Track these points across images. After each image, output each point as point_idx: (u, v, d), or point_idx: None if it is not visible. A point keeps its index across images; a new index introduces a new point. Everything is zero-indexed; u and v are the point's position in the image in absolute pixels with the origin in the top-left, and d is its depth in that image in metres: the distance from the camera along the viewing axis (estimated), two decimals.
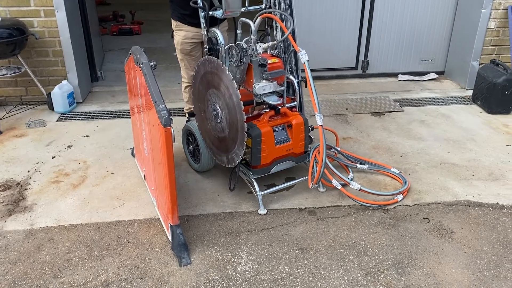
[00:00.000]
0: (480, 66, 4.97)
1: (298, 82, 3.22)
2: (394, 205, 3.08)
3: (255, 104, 2.99)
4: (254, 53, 2.76)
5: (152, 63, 2.60)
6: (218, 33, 2.79)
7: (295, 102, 3.20)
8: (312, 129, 3.25)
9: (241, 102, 2.64)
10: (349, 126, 4.26)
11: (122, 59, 6.15)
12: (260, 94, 2.84)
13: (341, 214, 2.99)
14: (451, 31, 5.36)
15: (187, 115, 4.04)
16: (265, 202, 3.05)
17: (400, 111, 4.60)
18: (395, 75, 5.56)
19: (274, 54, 2.97)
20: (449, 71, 5.51)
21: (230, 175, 3.10)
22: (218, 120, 2.90)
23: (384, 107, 4.69)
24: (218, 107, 2.87)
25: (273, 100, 2.84)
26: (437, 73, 5.55)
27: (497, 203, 3.10)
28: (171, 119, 2.34)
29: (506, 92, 4.42)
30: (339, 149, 3.50)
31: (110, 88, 5.16)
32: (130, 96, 3.43)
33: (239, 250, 2.65)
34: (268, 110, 3.04)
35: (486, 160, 3.65)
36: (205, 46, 2.84)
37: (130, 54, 2.90)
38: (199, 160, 3.34)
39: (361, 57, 5.44)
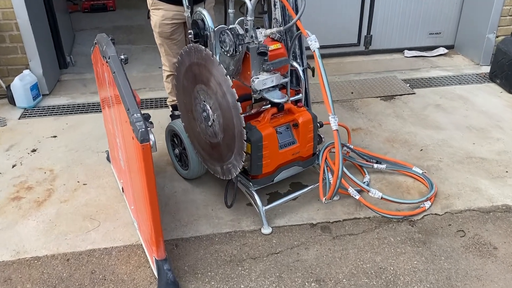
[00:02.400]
0: (498, 38, 4.45)
1: (303, 70, 2.66)
2: (421, 215, 2.60)
3: (253, 101, 2.44)
4: (251, 41, 2.19)
5: (122, 57, 2.03)
6: (206, 14, 2.20)
7: (300, 95, 2.66)
8: (321, 125, 2.73)
9: (238, 103, 2.09)
10: (357, 114, 3.73)
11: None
12: (260, 90, 2.29)
13: (361, 230, 2.51)
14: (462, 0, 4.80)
15: (170, 108, 3.48)
16: (268, 217, 2.54)
17: (411, 93, 4.08)
18: (400, 51, 5.01)
19: (275, 38, 2.40)
20: (460, 45, 4.99)
21: (226, 186, 2.57)
22: (209, 123, 2.35)
23: (394, 89, 4.16)
24: (208, 107, 2.32)
25: (277, 97, 2.29)
26: (446, 47, 5.02)
27: None
28: (150, 130, 1.80)
29: None
30: (351, 146, 2.99)
31: (82, 75, 4.53)
32: (99, 89, 2.85)
33: (242, 286, 2.15)
34: (269, 106, 2.50)
35: None
36: (189, 31, 2.26)
37: (95, 43, 2.31)
38: (188, 166, 2.80)
39: (364, 32, 4.86)
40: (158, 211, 1.96)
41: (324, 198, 2.42)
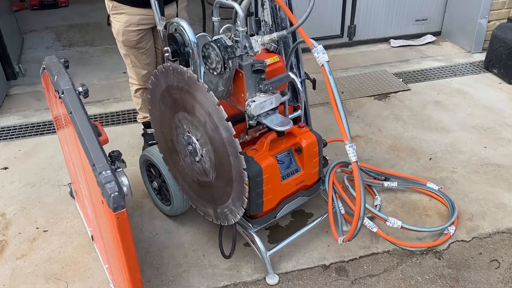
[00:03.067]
0: (490, 24, 4.14)
1: (301, 82, 2.24)
2: (447, 243, 2.26)
3: (248, 127, 2.00)
4: (245, 52, 1.74)
5: (80, 89, 1.54)
6: (185, 26, 1.72)
7: (299, 111, 2.23)
8: (325, 145, 2.32)
9: (236, 140, 1.64)
10: (352, 118, 3.35)
11: (48, 43, 4.86)
12: (257, 116, 1.85)
13: (382, 269, 2.14)
14: None
15: (142, 126, 2.99)
16: (272, 260, 2.14)
17: (406, 90, 3.73)
18: (386, 40, 4.65)
19: (271, 49, 1.96)
20: (447, 32, 4.66)
21: (219, 231, 2.13)
22: (197, 159, 1.91)
23: (386, 86, 3.80)
24: (194, 140, 1.87)
25: (279, 124, 1.86)
26: (433, 34, 4.69)
27: None
28: (122, 171, 1.37)
29: None
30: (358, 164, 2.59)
31: (34, 87, 3.93)
32: (53, 115, 2.33)
33: None
34: (266, 130, 2.07)
35: None
36: (165, 48, 1.78)
37: (44, 68, 1.80)
38: (170, 201, 2.35)
39: (347, 22, 4.46)
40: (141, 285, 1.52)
41: (340, 239, 2.03)
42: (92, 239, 2.27)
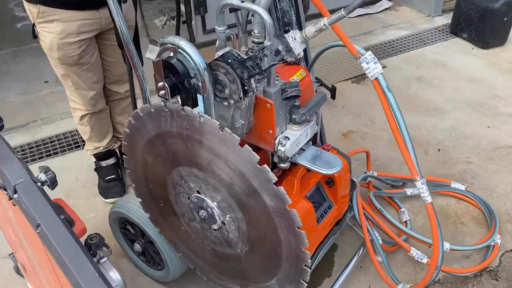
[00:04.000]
0: None
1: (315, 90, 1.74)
2: (497, 258, 1.95)
3: (271, 166, 1.49)
4: (279, 60, 1.19)
5: (44, 178, 0.93)
6: (187, 47, 1.12)
7: (317, 127, 1.74)
8: (351, 164, 1.87)
9: (294, 211, 1.13)
10: (336, 109, 2.93)
11: None
12: (291, 157, 1.34)
13: None
14: None
15: (93, 159, 2.34)
16: None
17: (382, 67, 3.35)
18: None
19: (292, 60, 1.42)
20: None
21: None
22: (214, 227, 1.36)
23: (358, 64, 3.39)
24: (211, 203, 1.31)
25: (325, 165, 1.35)
26: None
27: None
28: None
29: (505, 19, 3.42)
30: (375, 173, 2.19)
31: None
32: None
33: None
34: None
35: None
36: (159, 83, 1.16)
37: None
38: (161, 265, 1.79)
39: None
40: None
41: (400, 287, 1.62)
42: None
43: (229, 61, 1.17)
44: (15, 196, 0.89)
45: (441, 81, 3.18)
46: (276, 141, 1.31)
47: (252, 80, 1.16)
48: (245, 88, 1.16)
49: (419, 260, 1.82)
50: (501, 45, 3.55)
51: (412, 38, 3.76)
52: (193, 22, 3.49)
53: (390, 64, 3.41)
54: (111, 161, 2.33)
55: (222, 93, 1.20)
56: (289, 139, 1.30)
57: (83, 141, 2.43)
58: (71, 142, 2.73)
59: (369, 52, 1.31)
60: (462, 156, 2.51)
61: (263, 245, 1.27)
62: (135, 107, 1.79)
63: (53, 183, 0.93)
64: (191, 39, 3.56)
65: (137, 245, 1.80)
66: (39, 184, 0.90)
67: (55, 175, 0.95)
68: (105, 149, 2.29)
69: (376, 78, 1.31)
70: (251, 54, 1.20)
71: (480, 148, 2.56)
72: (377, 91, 1.34)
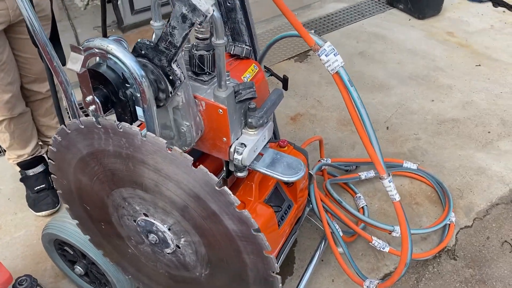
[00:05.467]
0: None
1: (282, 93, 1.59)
2: (454, 236, 1.96)
3: (226, 175, 1.34)
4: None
5: None
6: (121, 53, 0.91)
7: (270, 122, 1.60)
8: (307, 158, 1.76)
9: (261, 235, 0.99)
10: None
11: None
12: (248, 165, 1.19)
13: None
14: None
15: (18, 168, 2.06)
16: None
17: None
18: None
19: (242, 54, 1.26)
20: None
21: None
22: (168, 251, 1.20)
23: (301, 42, 3.28)
24: (161, 227, 1.14)
25: (286, 170, 1.22)
26: None
27: None
28: None
29: None
30: (329, 160, 2.11)
31: None
32: None
33: None
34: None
35: (478, 99, 2.72)
36: (87, 98, 0.94)
37: None
38: (108, 286, 1.60)
39: None
40: None
41: (368, 285, 1.56)
42: None
43: (143, 52, 0.98)
44: None
45: (383, 55, 3.14)
46: (232, 149, 1.16)
47: (174, 66, 0.98)
48: (170, 78, 0.98)
49: (381, 249, 1.77)
50: (436, 14, 3.58)
51: (350, 11, 3.69)
52: (119, 2, 3.17)
53: (331, 39, 3.28)
54: (39, 168, 2.06)
55: (160, 95, 1.01)
56: (246, 146, 1.15)
57: (4, 149, 2.13)
58: None
59: (328, 43, 1.18)
60: (410, 132, 2.49)
61: (226, 268, 1.13)
62: (58, 107, 1.53)
63: None
64: (118, 21, 3.25)
65: (78, 267, 1.60)
66: None
67: None
68: (31, 156, 2.01)
69: (337, 71, 1.18)
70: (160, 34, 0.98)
71: (427, 123, 2.56)
72: (338, 86, 1.21)
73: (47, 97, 1.94)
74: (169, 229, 1.13)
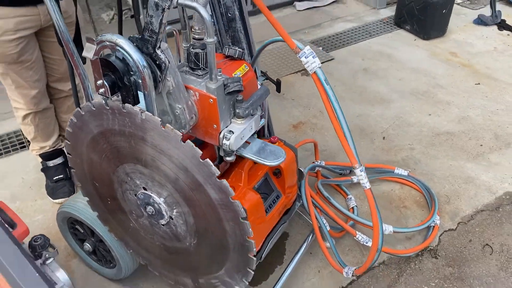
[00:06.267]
0: None
1: (261, 84, 1.78)
2: (437, 237, 2.08)
3: (218, 161, 1.51)
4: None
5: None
6: (126, 45, 1.12)
7: (263, 120, 1.78)
8: (297, 155, 1.93)
9: (237, 202, 1.16)
10: (287, 102, 2.99)
11: None
12: (236, 150, 1.37)
13: (385, 286, 1.88)
14: None
15: (39, 159, 2.28)
16: None
17: (330, 59, 3.46)
18: (290, 3, 4.31)
19: (235, 55, 1.45)
20: None
21: None
22: (162, 222, 1.37)
23: None
24: (157, 199, 1.33)
25: (269, 157, 1.40)
26: None
27: None
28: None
29: (444, 11, 3.59)
30: (323, 163, 2.27)
31: None
32: None
33: None
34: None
35: (474, 115, 2.84)
36: (98, 82, 1.16)
37: None
38: (113, 263, 1.78)
39: None
40: None
41: (346, 272, 1.70)
42: None
43: (135, 44, 1.17)
44: None
45: (386, 72, 3.30)
46: (221, 136, 1.34)
47: (158, 51, 1.17)
48: (157, 62, 1.17)
49: (365, 243, 1.91)
50: (441, 36, 3.73)
51: (358, 30, 3.88)
52: (141, 17, 3.43)
53: (338, 56, 3.50)
54: (59, 160, 2.28)
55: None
56: (233, 133, 1.32)
57: (28, 141, 2.36)
58: (15, 143, 2.65)
59: (308, 47, 1.36)
60: (405, 143, 2.63)
61: (211, 237, 1.30)
62: (77, 105, 1.76)
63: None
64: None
65: (87, 244, 1.79)
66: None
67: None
68: (52, 149, 2.24)
69: (314, 71, 1.36)
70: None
71: (422, 135, 2.69)
72: (316, 84, 1.39)
73: (69, 95, 2.17)
74: (164, 201, 1.31)
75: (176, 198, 1.28)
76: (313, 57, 1.35)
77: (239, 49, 1.45)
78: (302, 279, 1.90)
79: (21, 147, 2.61)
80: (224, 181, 1.13)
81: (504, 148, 2.58)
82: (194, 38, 1.28)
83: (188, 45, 1.31)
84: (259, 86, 1.52)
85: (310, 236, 1.95)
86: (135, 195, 1.38)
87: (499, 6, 4.12)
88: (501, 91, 3.07)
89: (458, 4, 4.30)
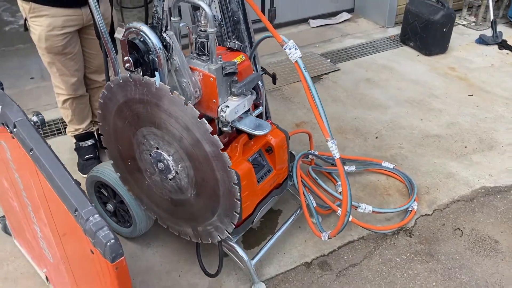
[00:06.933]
0: None
1: (260, 77, 2.12)
2: (413, 219, 2.34)
3: (219, 133, 1.85)
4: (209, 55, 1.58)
5: (36, 119, 1.28)
6: (147, 31, 1.50)
7: (261, 108, 2.12)
8: (288, 138, 2.25)
9: (225, 153, 1.50)
10: (293, 104, 3.32)
11: None
12: (231, 121, 1.71)
13: (362, 256, 2.15)
14: None
15: (74, 140, 2.67)
16: (255, 267, 2.03)
17: (336, 70, 3.78)
18: (305, 21, 4.68)
19: (235, 47, 1.80)
20: (360, 8, 4.82)
21: (197, 248, 1.98)
22: (170, 176, 1.72)
23: (317, 67, 3.82)
24: (166, 156, 1.67)
25: (257, 128, 1.73)
26: (348, 11, 4.82)
27: None
28: (119, 243, 1.13)
29: (444, 29, 3.88)
30: (316, 152, 2.58)
31: None
32: None
33: None
34: (235, 132, 1.94)
35: (463, 121, 3.10)
36: (125, 58, 1.53)
37: None
38: (129, 222, 2.12)
39: (267, 5, 4.35)
40: None
41: (324, 236, 1.99)
42: (48, 281, 1.97)
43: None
44: (14, 130, 1.23)
45: (387, 82, 3.60)
46: (219, 109, 1.68)
47: (164, 35, 1.54)
48: (164, 44, 1.53)
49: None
50: (443, 53, 4.01)
51: (366, 46, 4.20)
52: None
53: (344, 68, 3.83)
54: (90, 142, 2.66)
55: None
56: (228, 107, 1.67)
57: (64, 127, 2.75)
58: (54, 130, 3.06)
59: (291, 41, 1.69)
60: (396, 142, 2.91)
61: (206, 186, 1.63)
62: None
63: (42, 123, 1.28)
64: None
65: (110, 205, 2.14)
66: (32, 123, 1.25)
67: (44, 118, 1.30)
68: (85, 131, 2.62)
69: (296, 61, 1.69)
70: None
71: (412, 136, 2.97)
72: (297, 71, 1.71)
73: (102, 85, 2.56)
74: (171, 157, 1.65)
75: (181, 154, 1.62)
76: (295, 49, 1.68)
77: (238, 43, 1.80)
78: (290, 246, 2.19)
79: (58, 133, 3.02)
80: (215, 136, 1.47)
81: (486, 150, 2.82)
82: (200, 30, 1.64)
83: (196, 36, 1.67)
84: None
85: (298, 211, 2.25)
86: (150, 154, 1.73)
87: (502, 28, 4.40)
88: (492, 102, 3.33)
89: (463, 25, 4.59)
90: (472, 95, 3.41)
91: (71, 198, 1.16)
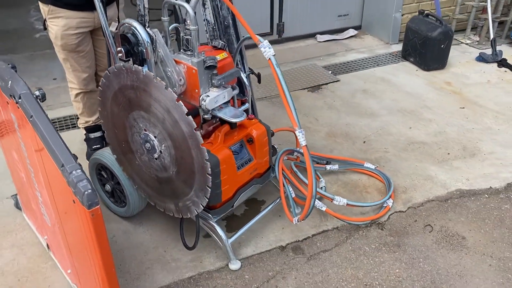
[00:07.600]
0: (403, 17, 4.55)
1: (247, 76, 2.36)
2: (387, 215, 2.50)
3: (202, 121, 2.09)
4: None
5: (37, 93, 1.54)
6: (137, 27, 1.77)
7: (247, 104, 2.36)
8: (273, 134, 2.46)
9: (197, 132, 1.73)
10: None
11: None
12: (211, 110, 1.94)
13: (333, 244, 2.33)
14: None
15: (84, 131, 2.95)
16: (233, 248, 2.24)
17: (336, 81, 3.99)
18: (312, 36, 4.92)
19: (219, 46, 2.05)
20: (367, 25, 5.04)
21: (180, 224, 2.20)
22: (155, 156, 1.96)
23: (318, 78, 4.04)
24: (152, 137, 1.92)
25: (234, 116, 1.96)
26: (354, 28, 5.04)
27: (490, 187, 2.70)
28: (96, 193, 1.37)
29: (442, 46, 4.06)
30: (300, 150, 2.78)
31: None
32: None
33: None
34: (219, 123, 2.17)
35: (451, 131, 3.25)
36: (118, 48, 1.80)
37: None
38: (124, 202, 2.37)
39: (276, 20, 4.66)
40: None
41: (295, 220, 2.18)
42: (48, 248, 2.23)
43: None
44: (19, 100, 1.50)
45: (382, 93, 3.79)
46: (200, 98, 1.92)
47: (148, 29, 1.79)
48: (150, 36, 1.78)
49: (320, 208, 2.38)
50: (441, 68, 4.18)
51: (368, 60, 4.40)
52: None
53: (344, 79, 4.03)
54: (98, 134, 2.93)
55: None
56: (209, 96, 1.91)
57: (77, 119, 3.04)
58: (69, 124, 3.37)
59: (266, 41, 1.92)
60: (382, 147, 3.08)
61: (184, 164, 1.85)
62: None
63: (43, 97, 1.54)
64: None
65: (108, 185, 2.39)
66: (34, 96, 1.51)
67: (45, 94, 1.57)
68: (94, 123, 2.90)
69: (269, 58, 1.92)
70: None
71: (398, 142, 3.14)
72: (271, 67, 1.94)
73: None
74: (155, 137, 1.89)
75: (164, 135, 1.86)
76: (269, 48, 1.91)
77: (223, 42, 2.05)
78: (268, 231, 2.39)
79: (73, 127, 3.32)
80: (190, 117, 1.70)
81: (468, 158, 2.96)
82: (186, 29, 1.89)
83: (183, 34, 1.93)
84: (243, 76, 2.11)
85: (277, 200, 2.44)
86: (139, 135, 1.98)
87: (503, 47, 4.53)
88: (482, 115, 3.46)
89: (467, 44, 4.74)
90: (463, 108, 3.55)
91: (59, 156, 1.40)
